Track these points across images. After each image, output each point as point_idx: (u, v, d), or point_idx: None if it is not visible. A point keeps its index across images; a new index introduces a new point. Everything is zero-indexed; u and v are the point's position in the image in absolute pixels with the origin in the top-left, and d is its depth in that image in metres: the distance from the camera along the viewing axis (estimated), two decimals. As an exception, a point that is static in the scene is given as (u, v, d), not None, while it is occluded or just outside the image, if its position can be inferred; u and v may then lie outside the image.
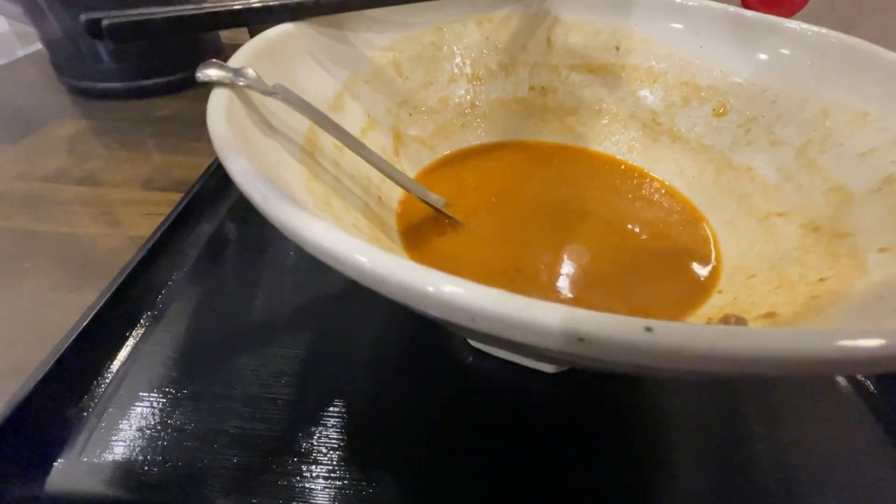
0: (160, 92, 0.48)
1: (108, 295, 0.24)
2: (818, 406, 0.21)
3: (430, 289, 0.08)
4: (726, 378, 0.11)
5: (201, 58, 0.17)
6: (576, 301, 0.20)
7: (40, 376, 0.20)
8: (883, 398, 0.21)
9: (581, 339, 0.07)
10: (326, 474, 0.18)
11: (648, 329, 0.07)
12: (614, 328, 0.07)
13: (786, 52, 0.23)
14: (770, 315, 0.14)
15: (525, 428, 0.20)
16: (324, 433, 0.19)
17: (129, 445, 0.19)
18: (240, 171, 0.11)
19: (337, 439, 0.19)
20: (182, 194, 0.32)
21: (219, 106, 0.14)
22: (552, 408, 0.21)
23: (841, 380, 0.22)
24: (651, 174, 0.27)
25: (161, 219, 0.30)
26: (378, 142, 0.24)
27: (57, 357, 0.21)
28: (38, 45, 0.53)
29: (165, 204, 0.33)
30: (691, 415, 0.21)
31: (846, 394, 0.21)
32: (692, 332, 0.07)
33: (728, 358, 0.07)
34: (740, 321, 0.14)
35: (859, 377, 0.22)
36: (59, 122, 0.44)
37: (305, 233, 0.09)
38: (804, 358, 0.07)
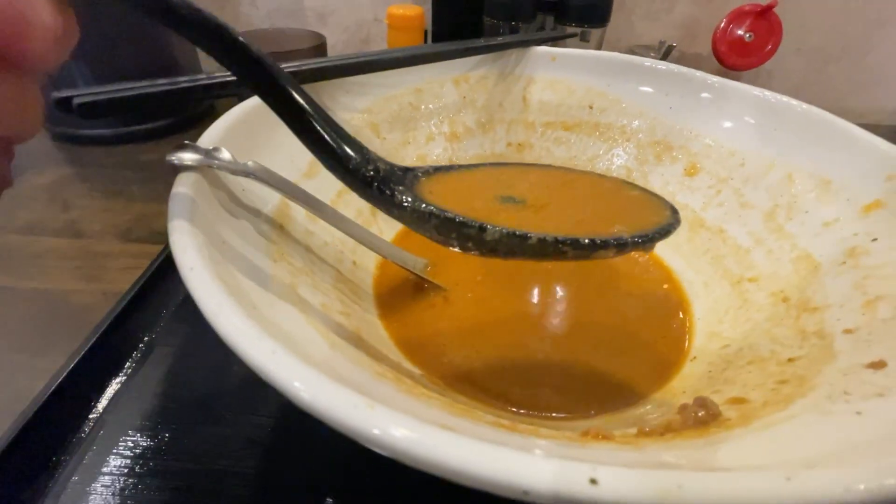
0: (148, 137, 0.48)
1: (77, 359, 0.24)
2: None
3: (376, 431, 0.08)
4: None
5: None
6: (553, 369, 0.20)
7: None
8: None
9: (525, 492, 0.07)
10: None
11: (594, 481, 0.07)
12: (558, 480, 0.07)
13: (751, 120, 0.23)
14: (740, 401, 0.14)
15: None
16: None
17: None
18: (194, 278, 0.11)
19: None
20: (161, 247, 0.32)
21: (182, 196, 0.14)
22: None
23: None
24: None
25: (138, 273, 0.29)
26: (354, 205, 0.24)
27: (20, 427, 0.20)
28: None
29: (143, 256, 0.33)
30: None
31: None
32: (640, 483, 0.07)
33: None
34: (712, 408, 0.14)
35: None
36: (41, 169, 0.44)
37: (250, 354, 0.09)
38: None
